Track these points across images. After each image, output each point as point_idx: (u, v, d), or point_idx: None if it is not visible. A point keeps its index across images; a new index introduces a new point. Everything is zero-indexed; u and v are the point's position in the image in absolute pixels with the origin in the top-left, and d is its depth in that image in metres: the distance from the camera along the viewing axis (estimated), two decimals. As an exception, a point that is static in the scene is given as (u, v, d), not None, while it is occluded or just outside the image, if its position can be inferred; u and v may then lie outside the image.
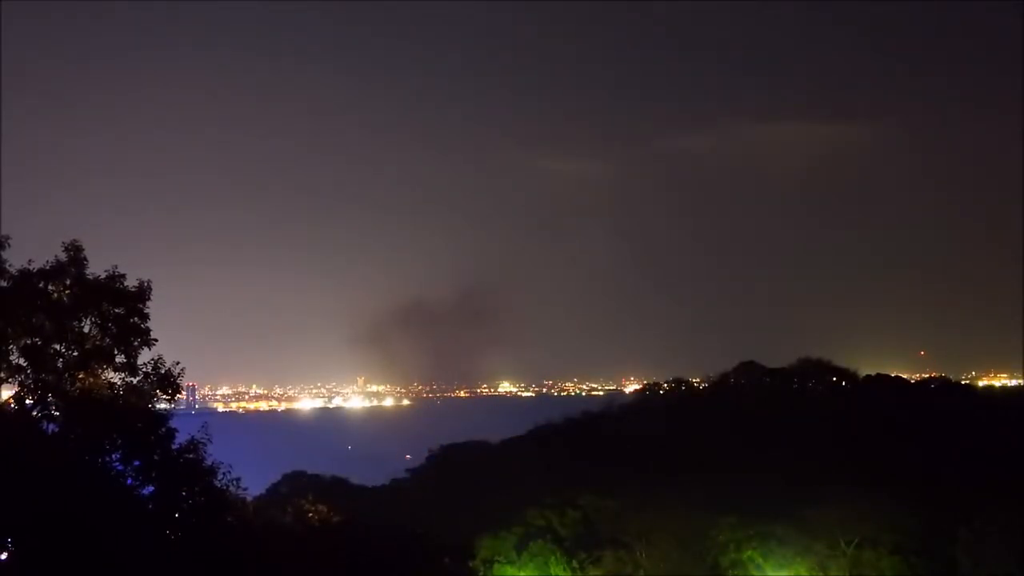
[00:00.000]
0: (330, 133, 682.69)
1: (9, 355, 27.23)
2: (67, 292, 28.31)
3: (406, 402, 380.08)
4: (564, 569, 69.07)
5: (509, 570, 68.87)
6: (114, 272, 28.90)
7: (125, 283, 28.90)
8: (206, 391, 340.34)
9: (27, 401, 27.48)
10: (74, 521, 24.04)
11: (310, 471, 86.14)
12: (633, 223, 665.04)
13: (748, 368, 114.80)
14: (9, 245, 27.73)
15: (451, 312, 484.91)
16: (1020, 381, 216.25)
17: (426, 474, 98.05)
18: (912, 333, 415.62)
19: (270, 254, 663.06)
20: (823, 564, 67.43)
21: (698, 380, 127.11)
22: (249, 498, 34.59)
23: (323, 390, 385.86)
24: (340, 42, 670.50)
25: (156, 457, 27.95)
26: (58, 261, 28.36)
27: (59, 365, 27.76)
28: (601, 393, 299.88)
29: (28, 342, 27.45)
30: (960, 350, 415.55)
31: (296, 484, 77.15)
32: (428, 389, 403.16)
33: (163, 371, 28.86)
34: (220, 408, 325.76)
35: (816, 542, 67.66)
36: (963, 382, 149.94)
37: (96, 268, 28.76)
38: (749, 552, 68.09)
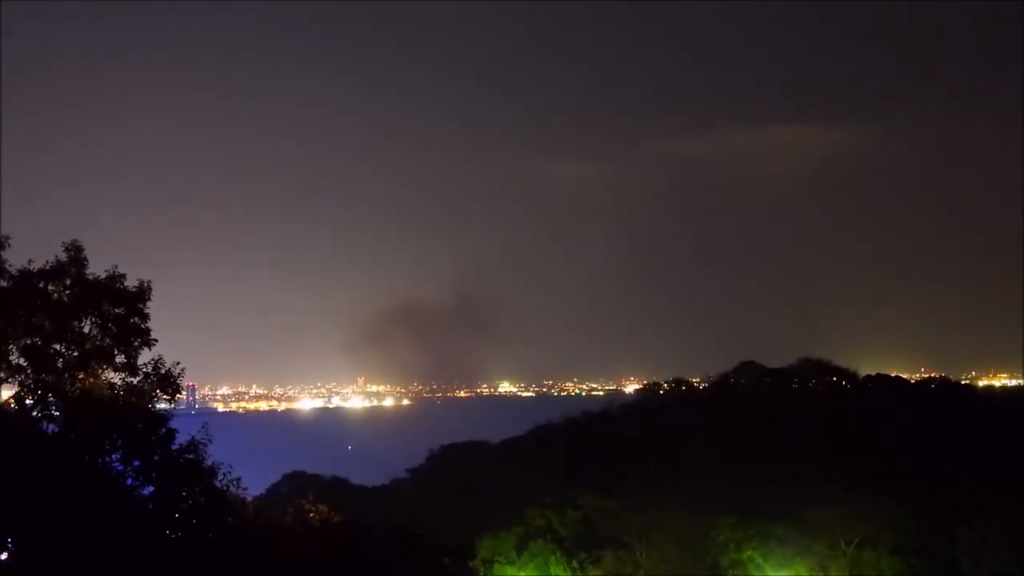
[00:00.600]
0: (330, 133, 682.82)
1: (9, 355, 27.20)
2: (67, 292, 28.28)
3: (406, 402, 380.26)
4: (564, 569, 69.07)
5: (509, 570, 68.89)
6: (114, 272, 28.88)
7: (125, 283, 28.88)
8: (206, 391, 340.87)
9: (27, 401, 27.45)
10: (74, 521, 24.02)
11: (310, 471, 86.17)
12: (633, 224, 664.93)
13: (748, 368, 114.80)
14: (9, 245, 27.73)
15: (451, 312, 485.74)
16: (1020, 381, 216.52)
17: (426, 474, 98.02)
18: (912, 333, 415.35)
19: (270, 254, 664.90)
20: (823, 564, 67.46)
21: (698, 380, 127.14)
22: (249, 498, 34.48)
23: (323, 390, 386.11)
24: (340, 42, 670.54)
25: (156, 457, 27.93)
26: (58, 261, 28.34)
27: (59, 365, 27.73)
28: (601, 393, 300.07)
29: (28, 342, 27.42)
30: (960, 350, 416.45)
31: (296, 484, 77.15)
32: (428, 389, 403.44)
33: (163, 371, 28.83)
34: (220, 408, 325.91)
35: (816, 542, 67.68)
36: (963, 382, 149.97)
37: (96, 268, 28.77)
38: (749, 552, 68.11)
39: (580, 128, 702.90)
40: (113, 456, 27.89)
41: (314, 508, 49.46)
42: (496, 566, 68.79)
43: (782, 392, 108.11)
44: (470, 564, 66.59)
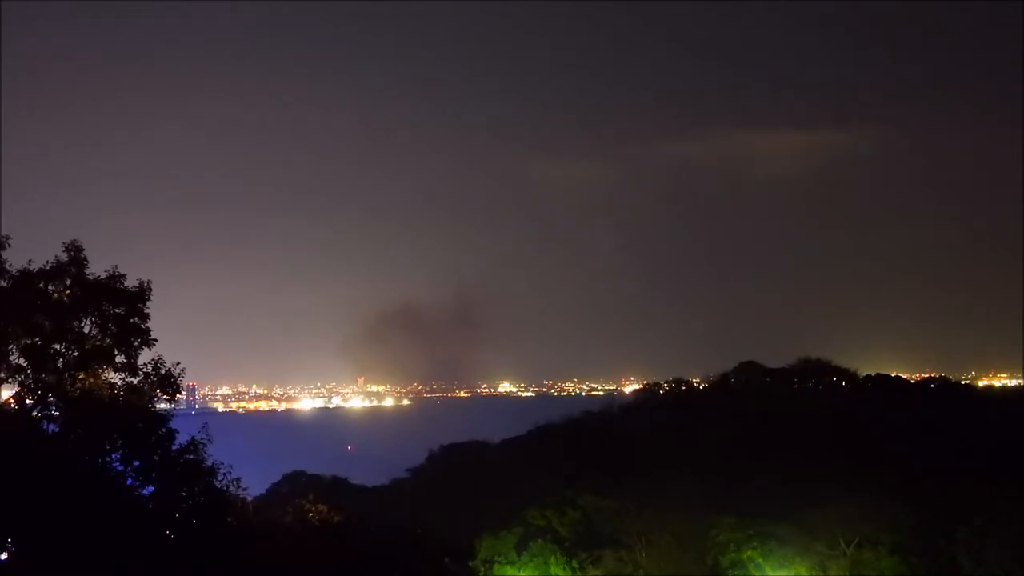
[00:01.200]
0: (330, 133, 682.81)
1: (9, 355, 27.24)
2: (67, 292, 28.32)
3: (406, 402, 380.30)
4: (564, 569, 69.00)
5: (509, 570, 68.84)
6: (114, 272, 28.92)
7: (125, 283, 28.93)
8: (206, 391, 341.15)
9: (27, 401, 27.49)
10: (74, 521, 24.03)
11: (310, 471, 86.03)
12: (633, 224, 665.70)
13: (748, 368, 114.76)
14: (9, 245, 27.78)
15: (451, 312, 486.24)
16: (1020, 381, 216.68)
17: (426, 474, 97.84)
18: (912, 333, 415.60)
19: (270, 254, 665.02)
20: (823, 564, 67.37)
21: (698, 380, 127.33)
22: (249, 498, 34.50)
23: (323, 390, 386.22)
24: (340, 42, 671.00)
25: (156, 457, 27.96)
26: (58, 261, 28.38)
27: (59, 365, 27.77)
28: (601, 393, 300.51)
29: (28, 342, 27.45)
30: (960, 350, 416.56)
31: (296, 484, 77.04)
32: (428, 389, 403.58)
33: (163, 371, 28.88)
34: (220, 408, 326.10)
35: (816, 542, 67.59)
36: (963, 382, 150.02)
37: (96, 268, 28.86)
38: (749, 552, 68.01)
39: (580, 128, 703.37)
40: (113, 456, 27.92)
41: (314, 508, 49.37)
42: (496, 566, 68.74)
43: (782, 392, 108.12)
44: (470, 564, 66.55)
